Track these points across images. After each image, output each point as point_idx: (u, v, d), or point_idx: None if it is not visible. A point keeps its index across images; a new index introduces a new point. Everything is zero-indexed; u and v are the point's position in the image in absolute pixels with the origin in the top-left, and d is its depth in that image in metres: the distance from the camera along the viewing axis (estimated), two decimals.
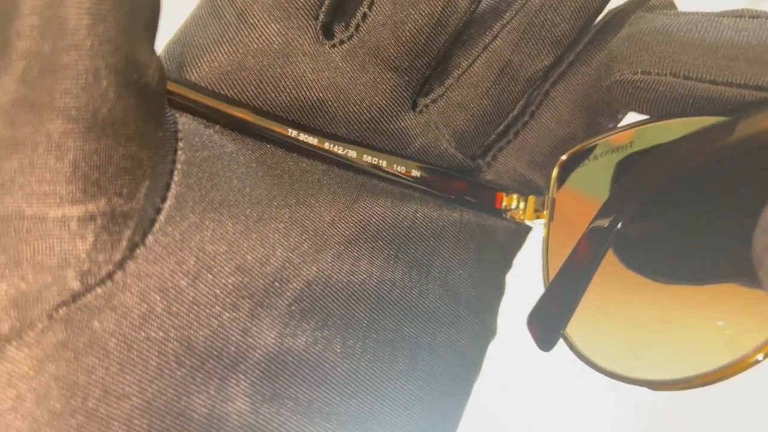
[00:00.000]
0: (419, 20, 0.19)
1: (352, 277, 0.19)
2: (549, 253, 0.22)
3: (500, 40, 0.21)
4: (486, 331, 0.22)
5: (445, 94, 0.21)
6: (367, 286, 0.19)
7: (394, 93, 0.20)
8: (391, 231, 0.20)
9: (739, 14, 0.17)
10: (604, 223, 0.19)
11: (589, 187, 0.22)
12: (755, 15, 0.17)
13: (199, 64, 0.18)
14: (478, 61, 0.21)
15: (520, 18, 0.21)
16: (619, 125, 0.23)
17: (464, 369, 0.21)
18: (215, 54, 0.18)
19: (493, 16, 0.21)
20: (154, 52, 0.15)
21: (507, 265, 0.24)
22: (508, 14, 0.21)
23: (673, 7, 0.22)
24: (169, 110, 0.17)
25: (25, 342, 0.14)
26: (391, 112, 0.20)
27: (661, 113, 0.18)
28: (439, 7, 0.19)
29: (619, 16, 0.22)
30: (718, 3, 0.19)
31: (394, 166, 0.20)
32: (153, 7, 0.15)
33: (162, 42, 0.19)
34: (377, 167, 0.20)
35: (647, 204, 0.20)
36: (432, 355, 0.20)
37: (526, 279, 0.24)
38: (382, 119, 0.20)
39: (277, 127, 0.19)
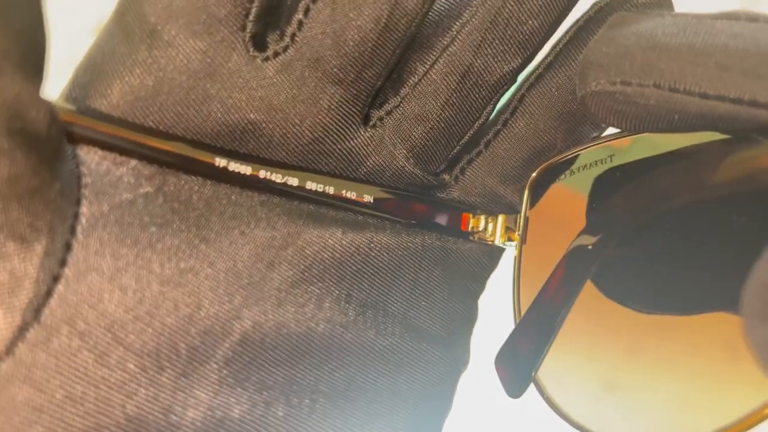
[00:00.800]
0: (363, 26, 0.17)
1: (295, 326, 0.17)
2: (521, 280, 0.20)
3: (460, 41, 0.18)
4: (455, 363, 0.20)
5: (401, 105, 0.19)
6: (314, 335, 0.17)
7: (340, 109, 0.18)
8: (342, 267, 0.18)
9: (734, 16, 0.15)
10: (581, 254, 0.17)
11: (565, 205, 0.20)
12: (753, 18, 0.15)
13: (109, 92, 0.16)
14: (436, 67, 0.18)
15: (481, 16, 0.18)
16: (602, 135, 0.20)
17: (432, 407, 0.20)
18: (126, 78, 0.16)
19: (452, 15, 0.18)
20: (38, 95, 0.13)
21: (478, 289, 0.21)
22: (468, 12, 0.18)
23: (666, 6, 0.19)
24: (70, 152, 0.15)
25: None
26: (336, 130, 0.18)
27: (645, 129, 0.16)
28: (386, 11, 0.17)
29: (605, 10, 0.19)
30: (716, 3, 0.16)
31: (343, 191, 0.18)
32: (33, 42, 0.13)
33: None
34: (324, 195, 0.18)
35: (632, 234, 0.17)
36: (393, 399, 0.18)
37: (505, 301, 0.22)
38: (327, 139, 0.18)
39: (202, 157, 0.16)
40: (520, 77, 0.20)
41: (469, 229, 0.20)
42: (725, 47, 0.14)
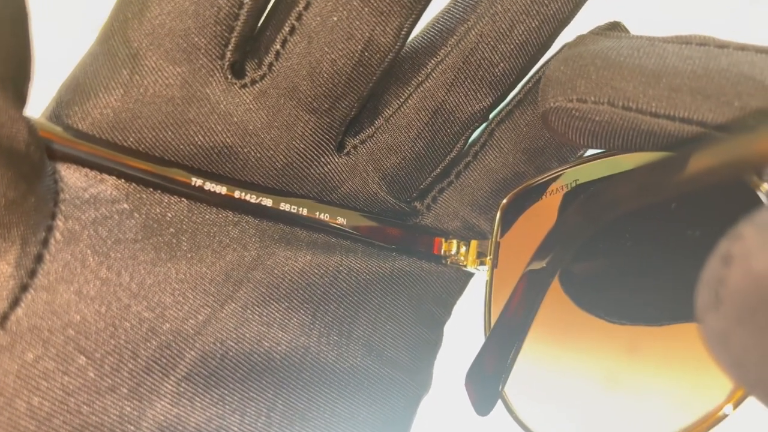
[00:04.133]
0: (337, 60, 0.18)
1: (257, 345, 0.17)
2: (492, 303, 0.20)
3: (433, 79, 0.19)
4: (417, 388, 0.21)
5: (375, 135, 0.20)
6: (275, 354, 0.17)
7: (314, 136, 0.18)
8: (309, 289, 0.18)
9: (686, 40, 0.16)
10: (538, 273, 0.17)
11: (535, 229, 0.20)
12: (703, 42, 0.15)
13: (90, 111, 0.17)
14: (409, 102, 0.19)
15: (455, 56, 0.19)
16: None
17: (391, 430, 0.20)
18: (107, 99, 0.17)
19: (427, 52, 0.19)
20: (17, 112, 0.14)
21: (444, 314, 0.22)
22: (442, 51, 0.19)
23: (622, 29, 0.20)
24: (49, 169, 0.16)
25: None
26: (310, 156, 0.19)
27: (601, 145, 0.16)
28: (359, 46, 0.17)
29: None
30: (716, 2, 0.17)
31: (317, 213, 0.19)
32: (18, 66, 0.14)
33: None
34: (297, 216, 0.19)
35: (587, 249, 0.18)
36: (351, 421, 0.18)
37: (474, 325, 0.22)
38: (301, 164, 0.19)
39: (179, 177, 0.17)
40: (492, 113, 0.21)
41: (442, 253, 0.21)
42: (675, 69, 0.15)
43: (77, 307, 0.15)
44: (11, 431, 0.14)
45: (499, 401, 0.18)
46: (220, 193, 0.17)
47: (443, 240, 0.21)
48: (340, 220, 0.19)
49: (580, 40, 0.17)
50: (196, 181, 0.17)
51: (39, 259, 0.15)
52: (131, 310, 0.16)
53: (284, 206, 0.18)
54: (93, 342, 0.15)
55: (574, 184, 0.19)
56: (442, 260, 0.21)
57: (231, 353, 0.17)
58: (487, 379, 0.18)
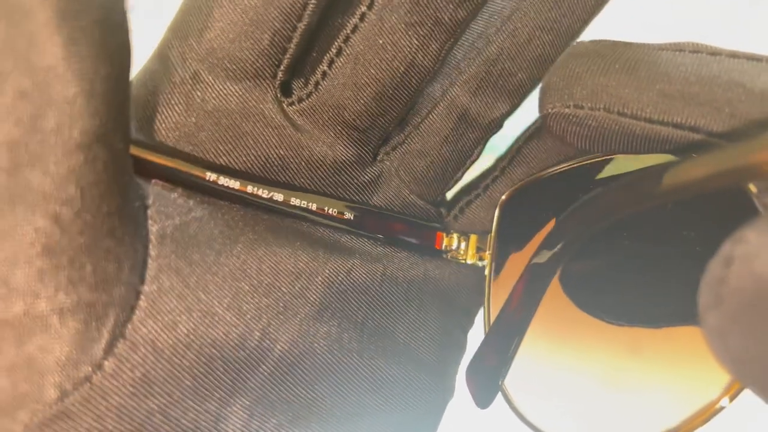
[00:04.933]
0: (381, 80, 0.18)
1: (320, 350, 0.18)
2: (491, 297, 0.21)
3: (458, 88, 0.20)
4: (444, 392, 0.22)
5: (405, 142, 0.21)
6: (334, 360, 0.18)
7: (354, 149, 0.20)
8: (359, 296, 0.19)
9: (679, 48, 0.16)
10: (539, 268, 0.18)
11: (534, 225, 0.21)
12: (696, 49, 0.16)
13: (156, 127, 0.17)
14: (437, 110, 0.21)
15: (477, 66, 0.20)
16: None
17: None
18: (172, 116, 0.17)
19: (450, 63, 0.20)
20: (127, 128, 0.14)
21: (469, 323, 0.23)
22: (465, 63, 0.20)
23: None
24: (135, 176, 0.16)
25: None
26: (351, 166, 0.20)
27: (598, 149, 0.17)
28: (402, 68, 0.18)
29: None
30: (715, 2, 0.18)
31: (325, 208, 0.19)
32: (127, 90, 0.14)
33: None
34: (306, 210, 0.19)
35: (586, 248, 0.19)
36: (387, 423, 0.19)
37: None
38: (343, 173, 0.20)
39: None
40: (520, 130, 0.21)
41: (443, 247, 0.21)
42: (668, 76, 0.15)
43: (179, 317, 0.15)
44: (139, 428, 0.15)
45: (500, 395, 0.19)
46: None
47: (444, 235, 0.21)
48: (347, 215, 0.20)
49: (578, 47, 0.18)
50: (210, 176, 0.17)
51: (144, 264, 0.15)
52: (220, 320, 0.16)
53: (294, 201, 0.19)
54: (193, 351, 0.15)
55: (575, 181, 0.20)
56: (442, 254, 0.21)
57: (300, 361, 0.17)
58: (488, 373, 0.19)
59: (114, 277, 0.14)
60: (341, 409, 0.18)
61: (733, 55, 0.16)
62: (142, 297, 0.15)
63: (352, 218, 0.20)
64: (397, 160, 0.21)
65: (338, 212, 0.19)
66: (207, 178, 0.17)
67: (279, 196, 0.18)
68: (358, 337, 0.19)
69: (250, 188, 0.18)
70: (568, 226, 0.17)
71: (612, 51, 0.17)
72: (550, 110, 0.17)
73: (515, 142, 0.22)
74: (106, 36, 0.13)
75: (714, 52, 0.16)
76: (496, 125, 0.21)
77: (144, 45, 0.18)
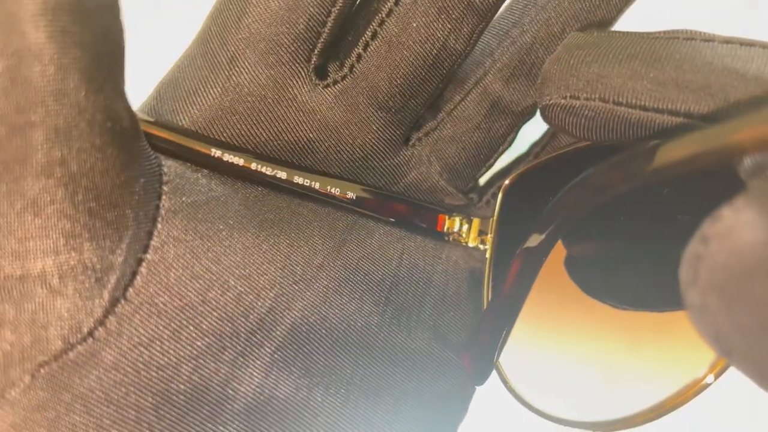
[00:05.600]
0: (414, 62, 0.19)
1: (337, 322, 0.18)
2: (492, 279, 0.21)
3: (491, 75, 0.21)
4: None
5: (437, 128, 0.21)
6: (352, 331, 0.19)
7: (387, 132, 0.20)
8: (380, 273, 0.20)
9: (673, 35, 0.16)
10: (533, 250, 0.18)
11: (534, 211, 0.21)
12: (689, 36, 0.16)
13: (189, 108, 0.18)
14: (470, 97, 0.21)
15: (510, 55, 0.21)
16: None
17: (450, 413, 0.21)
18: (205, 98, 0.18)
19: (484, 52, 0.21)
20: (123, 97, 0.15)
21: None
22: (499, 51, 0.21)
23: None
24: (153, 155, 0.17)
25: (8, 401, 0.14)
26: (382, 149, 0.20)
27: (596, 137, 0.17)
28: (435, 50, 0.19)
29: None
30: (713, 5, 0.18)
31: (328, 187, 0.20)
32: (116, 51, 0.15)
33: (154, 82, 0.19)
34: (310, 189, 0.19)
35: (578, 230, 0.19)
36: (417, 399, 0.20)
37: None
38: (374, 156, 0.20)
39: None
40: None
41: (445, 230, 0.22)
42: (662, 64, 0.16)
43: (185, 283, 0.16)
44: (137, 384, 0.15)
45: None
46: (238, 165, 0.18)
47: (447, 217, 0.22)
48: (350, 195, 0.20)
49: (573, 38, 0.18)
50: (215, 152, 0.18)
51: (149, 235, 0.16)
52: (230, 285, 0.17)
53: (297, 179, 0.19)
54: (199, 314, 0.16)
55: (575, 166, 0.20)
56: (444, 236, 0.22)
57: (315, 328, 0.18)
58: (483, 351, 0.19)
59: (114, 246, 0.15)
60: (362, 379, 0.18)
61: (727, 41, 0.16)
62: (144, 264, 0.16)
63: (354, 198, 0.20)
64: (429, 145, 0.21)
65: (341, 192, 0.20)
66: (212, 155, 0.18)
67: (282, 174, 0.19)
68: (380, 311, 0.19)
69: (254, 165, 0.19)
70: (556, 210, 0.17)
71: (607, 41, 0.17)
72: (547, 101, 0.17)
73: (548, 128, 0.22)
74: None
75: (707, 39, 0.16)
76: (529, 113, 0.22)
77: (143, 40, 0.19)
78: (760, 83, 0.15)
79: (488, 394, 0.21)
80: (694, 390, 0.16)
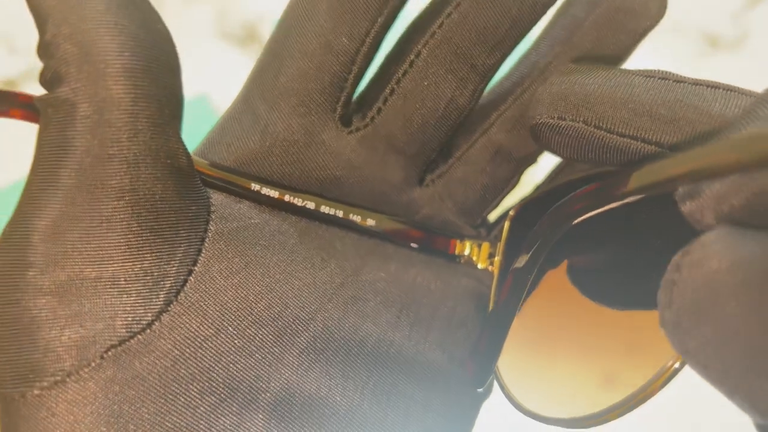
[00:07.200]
0: (425, 115, 0.23)
1: (353, 334, 0.21)
2: (496, 295, 0.24)
3: (496, 127, 0.24)
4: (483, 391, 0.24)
5: (449, 171, 0.25)
6: (367, 343, 0.21)
7: (403, 172, 0.24)
8: (395, 293, 0.23)
9: (649, 74, 0.19)
10: (520, 270, 0.20)
11: None
12: (664, 76, 0.19)
13: (235, 150, 0.22)
14: (477, 144, 0.24)
15: (513, 109, 0.24)
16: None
17: (458, 426, 0.23)
18: (247, 142, 0.22)
19: (491, 106, 0.25)
20: (180, 140, 0.19)
21: None
22: (503, 106, 0.24)
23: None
24: (204, 188, 0.20)
25: (82, 377, 0.18)
26: (399, 187, 0.24)
27: (577, 157, 0.20)
28: (443, 105, 0.23)
29: None
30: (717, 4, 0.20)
31: (350, 215, 0.23)
32: (176, 104, 0.19)
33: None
34: (334, 217, 0.23)
35: (566, 244, 0.21)
36: (425, 409, 0.22)
37: None
38: (391, 192, 0.24)
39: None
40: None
41: (457, 252, 0.24)
42: (639, 97, 0.18)
43: (225, 291, 0.20)
44: (187, 373, 0.19)
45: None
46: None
47: (458, 241, 0.24)
48: (370, 222, 0.23)
49: (567, 69, 0.21)
50: (255, 186, 0.22)
51: (198, 252, 0.20)
52: (262, 297, 0.20)
53: (324, 209, 0.23)
54: (236, 318, 0.20)
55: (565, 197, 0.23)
56: (456, 259, 0.24)
57: (334, 339, 0.21)
58: (482, 357, 0.21)
59: (170, 258, 0.19)
60: (375, 386, 0.21)
61: (695, 82, 0.18)
62: (193, 275, 0.19)
63: (373, 224, 0.23)
64: (441, 186, 0.25)
65: (362, 219, 0.23)
66: (252, 188, 0.22)
67: (311, 205, 0.23)
68: (393, 327, 0.22)
69: (287, 197, 0.22)
70: (536, 235, 0.20)
71: (594, 73, 0.19)
72: (537, 120, 0.20)
73: (551, 173, 0.25)
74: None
75: (679, 80, 0.18)
76: (530, 160, 0.25)
77: None
78: (722, 120, 0.17)
79: (495, 409, 0.24)
80: (666, 375, 0.18)
